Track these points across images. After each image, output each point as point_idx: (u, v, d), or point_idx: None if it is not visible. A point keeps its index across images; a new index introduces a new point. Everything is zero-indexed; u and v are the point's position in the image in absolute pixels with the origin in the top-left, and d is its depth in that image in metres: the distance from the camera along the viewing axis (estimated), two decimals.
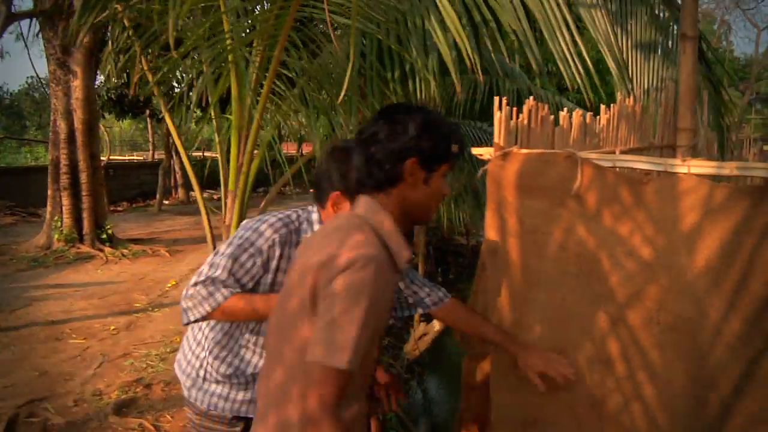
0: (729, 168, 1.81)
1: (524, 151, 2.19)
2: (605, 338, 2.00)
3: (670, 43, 3.95)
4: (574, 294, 2.09)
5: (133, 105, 13.79)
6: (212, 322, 1.94)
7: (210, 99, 4.68)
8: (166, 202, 15.23)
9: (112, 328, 5.21)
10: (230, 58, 3.97)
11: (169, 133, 10.21)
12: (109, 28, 4.87)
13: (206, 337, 1.96)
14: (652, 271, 1.88)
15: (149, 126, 21.17)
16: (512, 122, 2.31)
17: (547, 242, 2.13)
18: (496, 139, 2.25)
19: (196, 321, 1.81)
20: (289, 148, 14.10)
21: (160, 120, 15.46)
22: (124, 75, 6.71)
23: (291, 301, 1.39)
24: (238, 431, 1.99)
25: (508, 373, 2.25)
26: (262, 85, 4.29)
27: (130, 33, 4.35)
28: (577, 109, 2.60)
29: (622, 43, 3.73)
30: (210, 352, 1.93)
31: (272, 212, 1.91)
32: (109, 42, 4.84)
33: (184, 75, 5.59)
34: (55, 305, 5.91)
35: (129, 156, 26.11)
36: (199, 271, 1.79)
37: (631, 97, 2.87)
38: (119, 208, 14.62)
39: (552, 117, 2.48)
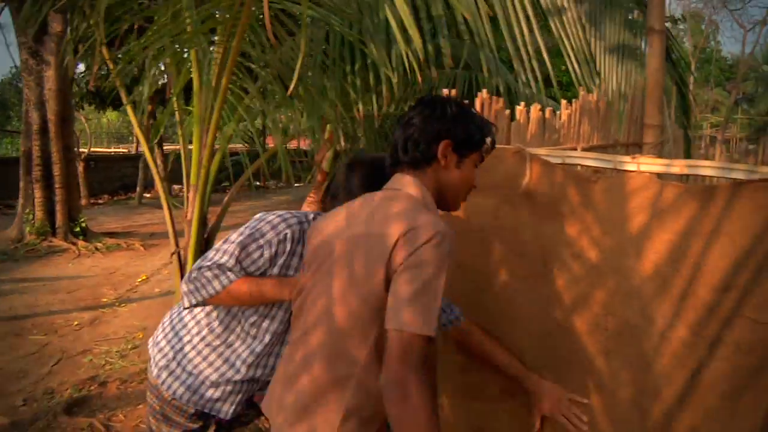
0: (679, 166, 1.74)
1: None
2: (552, 344, 1.92)
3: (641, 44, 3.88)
4: (522, 297, 2.01)
5: (114, 97, 13.59)
6: (209, 310, 1.86)
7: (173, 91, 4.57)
8: (148, 195, 15.06)
9: (75, 323, 5.09)
10: (189, 46, 3.86)
11: (149, 126, 10.04)
12: (68, 15, 4.73)
13: (198, 323, 1.88)
14: (600, 274, 1.80)
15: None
16: None
17: (495, 242, 2.04)
18: None
19: (197, 305, 1.77)
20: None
21: (142, 112, 15.29)
22: (104, 65, 6.54)
23: (342, 272, 1.46)
24: (196, 428, 1.91)
25: (454, 377, 2.17)
26: None
27: (91, 21, 4.22)
28: (536, 104, 2.51)
29: (592, 43, 3.66)
30: (198, 350, 1.86)
31: (290, 210, 1.86)
32: (68, 30, 4.70)
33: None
34: (20, 300, 5.78)
35: (114, 148, 25.85)
36: (204, 256, 1.75)
37: (595, 93, 2.79)
38: (100, 201, 14.46)
39: (508, 111, 2.39)
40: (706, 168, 1.65)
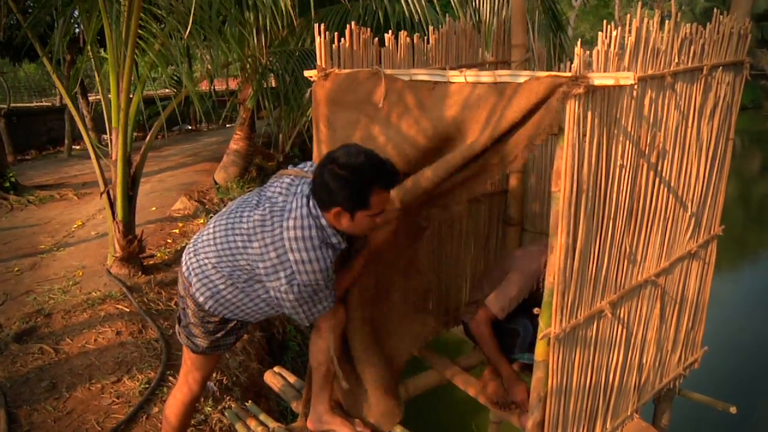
0: (490, 76, 2.16)
1: (342, 71, 2.49)
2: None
3: None
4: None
5: (29, 48, 13.19)
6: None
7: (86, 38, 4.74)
8: (77, 147, 14.87)
9: (16, 269, 5.34)
10: None
11: (69, 76, 9.92)
12: None
13: None
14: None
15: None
16: (335, 46, 2.59)
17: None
18: (319, 62, 2.54)
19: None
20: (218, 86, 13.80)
21: (59, 63, 14.85)
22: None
23: None
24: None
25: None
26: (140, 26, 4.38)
27: None
28: (403, 30, 2.89)
29: None
30: None
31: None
32: None
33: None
34: None
35: (38, 102, 24.93)
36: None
37: (461, 19, 3.18)
38: (27, 157, 14.22)
39: (376, 39, 2.77)
40: (505, 76, 2.09)
